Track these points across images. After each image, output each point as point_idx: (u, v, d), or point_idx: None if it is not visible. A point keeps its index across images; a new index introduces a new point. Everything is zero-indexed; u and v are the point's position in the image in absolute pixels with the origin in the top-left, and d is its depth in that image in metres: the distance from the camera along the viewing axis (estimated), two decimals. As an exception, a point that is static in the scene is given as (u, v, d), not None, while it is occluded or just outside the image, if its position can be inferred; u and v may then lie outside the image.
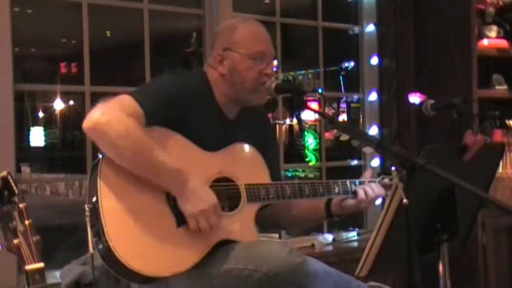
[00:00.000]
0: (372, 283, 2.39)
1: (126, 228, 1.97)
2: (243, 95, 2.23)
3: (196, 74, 2.31)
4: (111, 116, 1.97)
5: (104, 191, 1.98)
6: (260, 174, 2.27)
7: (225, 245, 2.11)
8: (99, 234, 1.95)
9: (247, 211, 2.19)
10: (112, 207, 1.97)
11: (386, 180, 2.37)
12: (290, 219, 2.43)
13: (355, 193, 2.29)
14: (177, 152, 2.09)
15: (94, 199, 1.97)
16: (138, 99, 2.03)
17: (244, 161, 2.25)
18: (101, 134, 1.97)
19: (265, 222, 2.32)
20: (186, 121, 2.12)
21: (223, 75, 2.22)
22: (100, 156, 2.04)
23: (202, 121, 2.17)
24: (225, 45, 2.23)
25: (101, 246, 1.96)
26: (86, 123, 1.98)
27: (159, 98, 2.08)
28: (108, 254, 1.94)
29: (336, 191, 2.31)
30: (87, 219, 1.96)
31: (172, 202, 2.05)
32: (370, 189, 2.29)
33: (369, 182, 2.34)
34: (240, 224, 2.16)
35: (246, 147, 2.28)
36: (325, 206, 2.34)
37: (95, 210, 1.96)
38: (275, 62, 2.29)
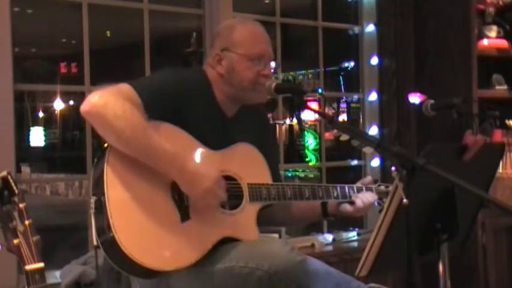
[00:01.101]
0: (373, 284, 2.39)
1: (130, 221, 1.98)
2: (242, 94, 2.24)
3: (196, 72, 2.31)
4: (108, 99, 1.98)
5: (111, 183, 1.98)
6: (262, 175, 2.28)
7: (226, 243, 2.11)
8: (103, 225, 1.95)
9: (249, 210, 2.19)
10: (118, 199, 1.97)
11: (382, 188, 2.41)
12: (287, 217, 2.45)
13: (352, 202, 2.33)
14: (180, 148, 2.08)
15: (100, 191, 1.97)
16: (136, 89, 2.04)
17: (247, 161, 2.25)
18: (98, 116, 1.98)
19: (261, 219, 2.32)
20: (184, 117, 2.12)
21: (222, 74, 2.23)
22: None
23: (202, 118, 2.17)
24: (223, 45, 2.23)
25: (105, 237, 1.96)
26: (84, 107, 1.99)
27: (157, 91, 2.09)
28: (112, 245, 1.94)
29: (335, 194, 2.34)
30: (92, 211, 1.97)
31: (176, 197, 2.06)
32: (366, 199, 2.33)
33: (367, 188, 2.38)
34: (242, 223, 2.17)
35: (249, 148, 2.28)
36: (322, 206, 2.37)
37: (100, 202, 1.96)
38: (273, 64, 2.29)
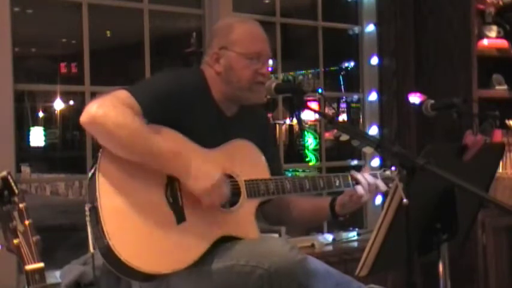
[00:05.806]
0: (372, 285, 2.39)
1: (125, 226, 1.98)
2: (239, 94, 2.24)
3: (194, 72, 2.31)
4: (108, 108, 1.97)
5: (103, 190, 1.98)
6: (260, 170, 2.28)
7: (225, 241, 2.11)
8: (98, 233, 1.95)
9: (248, 207, 2.19)
10: (111, 206, 1.97)
11: (388, 173, 2.37)
12: (294, 219, 2.43)
13: (355, 180, 2.30)
14: (181, 148, 2.09)
15: (93, 198, 1.97)
16: (134, 95, 2.03)
17: (243, 157, 2.25)
18: (98, 127, 1.98)
19: (270, 219, 2.35)
20: (183, 118, 2.12)
21: (219, 73, 2.23)
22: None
23: (200, 118, 2.17)
24: (221, 43, 2.24)
25: (101, 244, 1.96)
26: (83, 117, 1.99)
27: (156, 94, 2.08)
28: (108, 252, 1.94)
29: (337, 184, 2.32)
30: (87, 218, 1.97)
31: (171, 199, 2.05)
32: (366, 175, 2.29)
33: (372, 174, 2.34)
34: (241, 220, 2.17)
35: (245, 143, 2.28)
36: (330, 206, 2.33)
37: (95, 209, 1.96)
38: (270, 62, 2.29)
